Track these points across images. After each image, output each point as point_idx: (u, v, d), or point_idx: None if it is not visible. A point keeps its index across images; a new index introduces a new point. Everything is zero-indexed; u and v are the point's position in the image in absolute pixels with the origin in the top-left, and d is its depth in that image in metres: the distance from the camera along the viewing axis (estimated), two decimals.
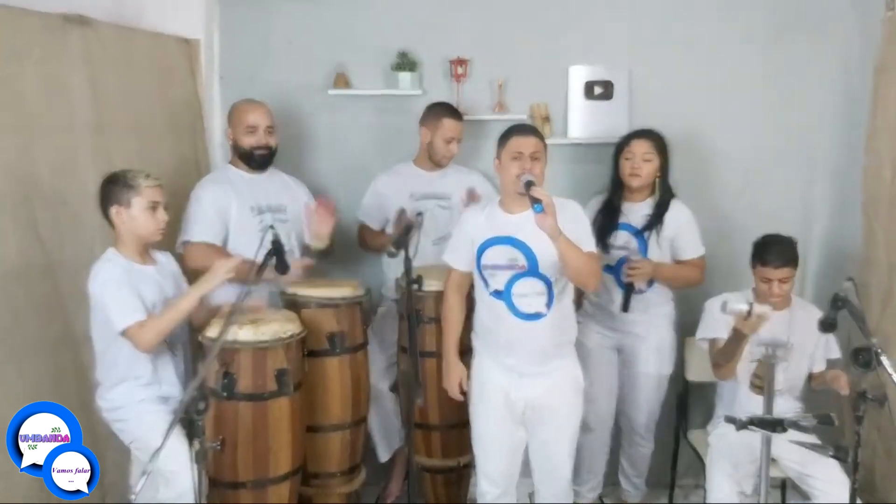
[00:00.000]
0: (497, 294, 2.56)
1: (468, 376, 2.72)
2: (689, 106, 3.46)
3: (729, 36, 3.46)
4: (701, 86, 3.47)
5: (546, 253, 2.49)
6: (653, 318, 3.09)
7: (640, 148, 2.98)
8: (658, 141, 3.02)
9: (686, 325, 3.18)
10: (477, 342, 2.70)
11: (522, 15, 3.45)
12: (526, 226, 2.48)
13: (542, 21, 3.44)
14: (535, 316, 2.55)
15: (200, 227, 2.91)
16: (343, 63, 3.47)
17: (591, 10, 3.44)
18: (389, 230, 3.24)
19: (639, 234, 3.01)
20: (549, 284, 2.55)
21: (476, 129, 3.47)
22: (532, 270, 2.53)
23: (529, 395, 2.60)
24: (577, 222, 2.54)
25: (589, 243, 2.56)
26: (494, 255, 2.55)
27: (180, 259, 2.85)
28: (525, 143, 2.52)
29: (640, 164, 2.97)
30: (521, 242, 2.53)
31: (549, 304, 2.55)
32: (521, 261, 2.53)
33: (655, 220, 3.00)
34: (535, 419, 2.63)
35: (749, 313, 2.53)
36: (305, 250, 3.11)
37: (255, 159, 3.02)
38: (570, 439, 2.68)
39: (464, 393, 2.72)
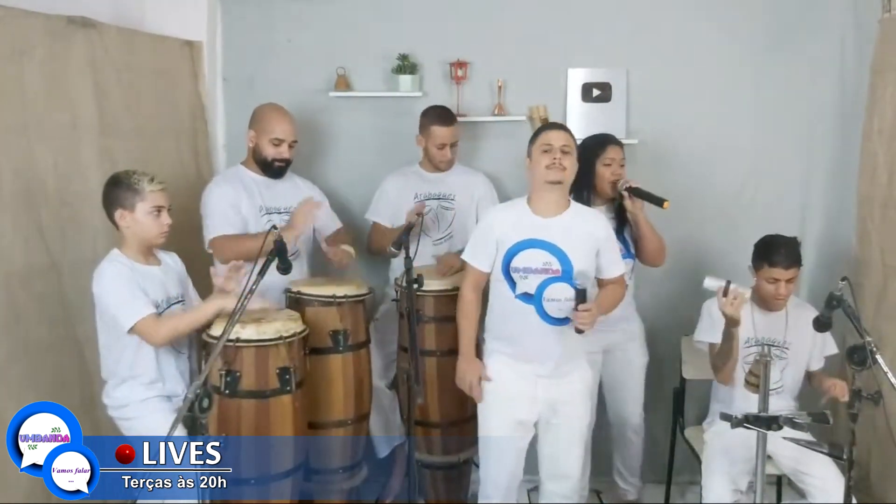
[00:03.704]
0: (526, 298, 2.57)
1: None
2: (686, 108, 3.49)
3: (726, 37, 3.48)
4: (698, 87, 3.49)
5: (579, 259, 2.56)
6: (631, 312, 3.17)
7: (618, 154, 3.04)
8: (623, 148, 3.09)
9: (682, 323, 3.21)
10: (494, 344, 2.69)
11: (522, 18, 3.48)
12: (560, 230, 2.56)
13: (540, 24, 3.47)
14: (564, 321, 2.57)
15: (220, 222, 2.94)
16: (344, 65, 3.49)
17: (590, 13, 3.47)
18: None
19: (617, 233, 3.03)
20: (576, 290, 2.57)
21: (476, 131, 3.50)
22: (566, 276, 2.55)
23: (548, 397, 2.61)
24: (610, 238, 2.67)
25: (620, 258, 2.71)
26: (528, 258, 2.56)
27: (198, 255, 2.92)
28: (555, 137, 2.57)
29: (619, 170, 3.03)
30: (555, 247, 2.55)
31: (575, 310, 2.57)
32: (555, 265, 2.55)
33: (625, 218, 3.04)
34: (549, 420, 2.65)
35: (726, 290, 2.59)
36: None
37: (273, 169, 3.06)
38: (582, 440, 2.70)
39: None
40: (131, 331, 2.45)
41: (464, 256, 2.70)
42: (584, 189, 3.05)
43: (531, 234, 2.57)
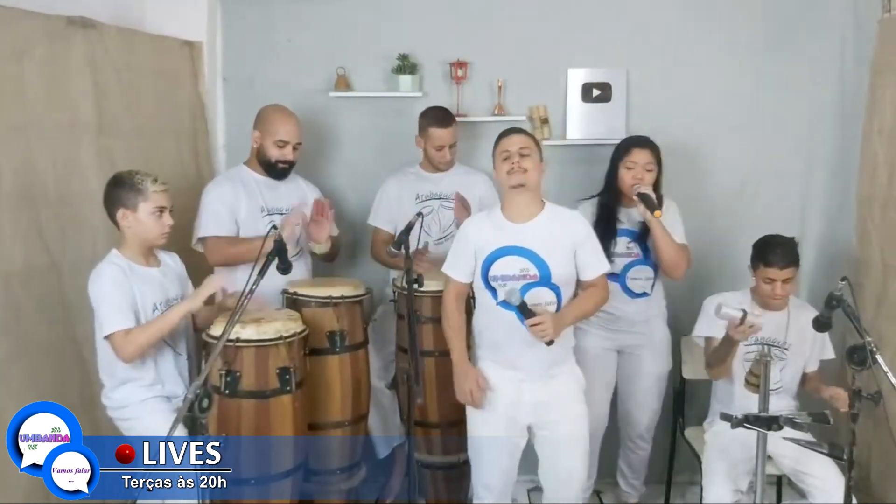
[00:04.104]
0: (507, 305, 2.53)
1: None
2: (686, 108, 3.49)
3: (726, 38, 3.48)
4: (698, 88, 3.49)
5: (558, 262, 2.54)
6: (656, 317, 3.13)
7: (642, 158, 2.96)
8: (656, 150, 3.01)
9: (683, 324, 3.21)
10: (481, 351, 2.67)
11: (522, 18, 3.48)
12: (535, 235, 2.54)
13: (541, 24, 3.47)
14: None
15: (212, 223, 2.95)
16: (344, 65, 3.49)
17: (590, 13, 3.47)
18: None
19: (639, 238, 3.02)
20: (558, 294, 2.56)
21: (476, 131, 3.50)
22: (544, 280, 2.54)
23: (535, 400, 2.59)
24: (589, 238, 2.63)
25: (602, 258, 2.65)
26: (504, 266, 2.54)
27: (197, 255, 2.93)
28: (510, 142, 2.57)
29: (643, 173, 2.95)
30: (531, 252, 2.53)
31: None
32: (533, 270, 2.53)
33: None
34: (543, 424, 2.62)
35: (742, 320, 2.57)
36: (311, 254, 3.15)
37: (276, 171, 3.05)
38: (581, 441, 2.64)
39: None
40: (106, 338, 2.44)
41: (444, 269, 2.68)
42: (608, 192, 3.05)
43: (506, 242, 2.55)
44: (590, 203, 3.08)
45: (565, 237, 2.58)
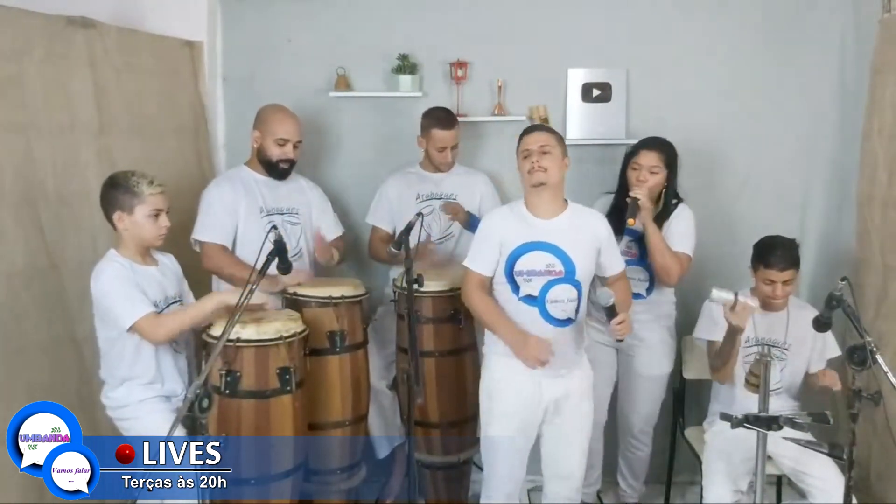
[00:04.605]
0: (529, 300, 2.55)
1: (482, 377, 2.69)
2: (685, 108, 3.49)
3: (726, 37, 3.49)
4: (698, 88, 3.50)
5: (581, 260, 2.55)
6: (654, 320, 3.12)
7: (648, 160, 2.96)
8: (667, 153, 2.99)
9: (684, 324, 3.21)
10: (496, 346, 2.65)
11: (522, 18, 3.48)
12: (561, 231, 2.56)
13: (541, 24, 3.47)
14: (566, 322, 2.56)
15: (211, 228, 2.95)
16: (344, 65, 3.49)
17: (590, 13, 3.47)
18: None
19: (640, 240, 3.02)
20: (579, 291, 2.57)
21: (476, 131, 3.51)
22: (569, 277, 2.54)
23: (551, 397, 2.60)
24: (610, 236, 2.66)
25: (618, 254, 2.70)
26: (531, 261, 2.55)
27: (196, 255, 2.94)
28: (532, 140, 2.58)
29: (647, 176, 2.95)
30: (557, 248, 2.54)
31: (577, 310, 2.58)
32: (558, 267, 2.54)
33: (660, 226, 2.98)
34: (552, 419, 2.63)
35: (735, 303, 2.58)
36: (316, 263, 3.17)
37: (277, 170, 3.05)
38: (585, 440, 2.68)
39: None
40: (131, 329, 2.44)
41: (465, 263, 2.66)
42: (619, 191, 3.05)
43: (533, 237, 2.56)
44: (608, 198, 3.11)
45: (590, 236, 2.60)
